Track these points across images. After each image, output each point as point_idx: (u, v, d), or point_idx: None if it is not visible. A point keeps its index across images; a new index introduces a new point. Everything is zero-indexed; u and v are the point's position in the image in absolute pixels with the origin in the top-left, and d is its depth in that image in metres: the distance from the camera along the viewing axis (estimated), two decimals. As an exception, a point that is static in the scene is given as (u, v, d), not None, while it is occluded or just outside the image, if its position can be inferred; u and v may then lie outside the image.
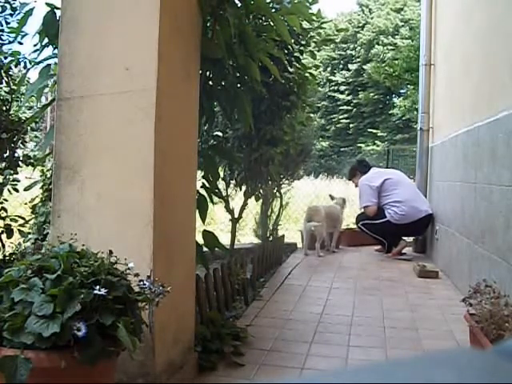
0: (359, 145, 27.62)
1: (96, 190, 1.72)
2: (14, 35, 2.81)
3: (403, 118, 25.22)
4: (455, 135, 4.01)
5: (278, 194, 4.69)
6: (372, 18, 30.30)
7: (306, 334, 2.58)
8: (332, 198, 5.57)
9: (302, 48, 3.52)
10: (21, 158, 2.75)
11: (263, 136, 3.47)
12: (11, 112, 2.73)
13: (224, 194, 3.48)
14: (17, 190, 2.73)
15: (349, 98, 30.27)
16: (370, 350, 2.38)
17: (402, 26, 25.96)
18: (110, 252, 1.47)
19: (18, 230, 2.68)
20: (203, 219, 2.44)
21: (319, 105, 26.87)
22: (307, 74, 3.59)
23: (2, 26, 2.85)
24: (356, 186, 5.50)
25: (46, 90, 2.35)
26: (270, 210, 4.74)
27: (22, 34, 2.68)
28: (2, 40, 2.84)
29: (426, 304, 3.27)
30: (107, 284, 1.35)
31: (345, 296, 3.42)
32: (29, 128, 2.82)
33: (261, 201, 4.46)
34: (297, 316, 2.91)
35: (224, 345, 2.24)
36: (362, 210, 5.21)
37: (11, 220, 2.65)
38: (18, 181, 2.71)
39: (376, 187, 5.08)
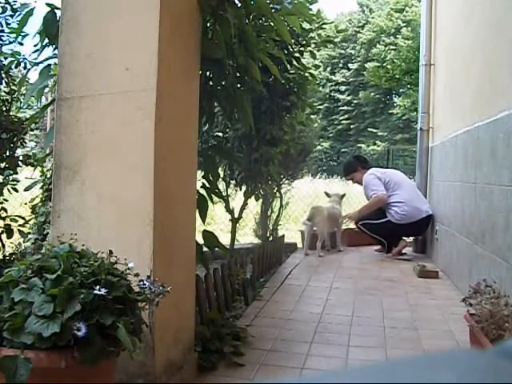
0: (359, 145, 27.65)
1: (96, 190, 1.72)
2: (14, 35, 2.81)
3: (403, 118, 25.25)
4: (455, 135, 4.01)
5: (277, 194, 4.69)
6: (373, 18, 30.32)
7: (306, 333, 2.58)
8: (328, 195, 5.52)
9: (302, 48, 3.52)
10: (21, 158, 2.75)
11: (263, 136, 3.47)
12: (11, 112, 2.73)
13: (224, 194, 3.48)
14: (17, 190, 2.73)
15: (349, 98, 30.30)
16: (370, 350, 2.38)
17: (404, 26, 25.96)
18: (110, 252, 1.47)
19: (18, 230, 2.68)
20: (203, 219, 2.44)
21: (320, 106, 26.91)
22: (307, 74, 3.60)
23: (3, 26, 2.85)
24: (355, 182, 5.49)
25: (46, 90, 2.35)
26: (269, 210, 4.74)
27: (23, 34, 2.69)
28: (3, 41, 2.84)
29: (426, 304, 3.27)
30: (107, 284, 1.35)
31: (345, 296, 3.42)
32: (29, 128, 2.82)
33: (261, 201, 4.46)
34: (297, 316, 2.91)
35: (224, 345, 2.24)
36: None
37: (11, 220, 2.65)
38: (18, 181, 2.71)
39: (382, 180, 5.07)
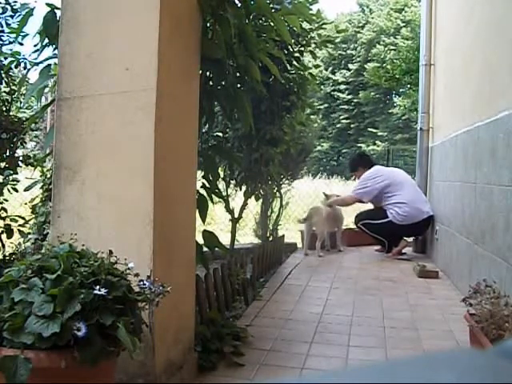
0: (359, 145, 27.67)
1: (96, 190, 1.72)
2: (14, 35, 2.81)
3: (403, 118, 25.26)
4: (455, 135, 4.01)
5: (277, 194, 4.69)
6: (372, 18, 30.33)
7: (306, 334, 2.58)
8: (326, 196, 5.52)
9: (302, 48, 3.52)
10: (21, 158, 2.75)
11: (263, 136, 3.47)
12: (11, 112, 2.73)
13: (224, 194, 3.48)
14: (17, 190, 2.73)
15: (349, 97, 30.32)
16: (370, 350, 2.38)
17: (403, 26, 25.98)
18: (110, 252, 1.46)
19: (18, 230, 2.68)
20: (203, 219, 2.44)
21: (320, 106, 26.93)
22: (307, 74, 3.60)
23: (3, 26, 2.85)
24: (358, 178, 5.50)
25: (46, 90, 2.35)
26: (269, 210, 4.74)
27: (23, 34, 2.69)
28: (3, 41, 2.84)
29: (426, 304, 3.27)
30: (107, 284, 1.35)
31: (345, 296, 3.42)
32: (29, 128, 2.82)
33: (261, 201, 4.46)
34: (297, 316, 2.91)
35: (224, 345, 2.24)
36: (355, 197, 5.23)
37: (11, 220, 2.65)
38: (18, 181, 2.71)
39: (377, 189, 5.07)
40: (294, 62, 3.43)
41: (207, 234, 2.57)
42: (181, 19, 1.93)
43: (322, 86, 27.63)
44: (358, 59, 30.00)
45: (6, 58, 2.81)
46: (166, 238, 1.80)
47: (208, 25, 2.24)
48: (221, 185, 3.35)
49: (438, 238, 4.61)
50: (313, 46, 3.62)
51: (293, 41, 3.23)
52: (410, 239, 5.37)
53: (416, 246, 5.39)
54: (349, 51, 31.07)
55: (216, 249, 2.62)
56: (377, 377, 0.32)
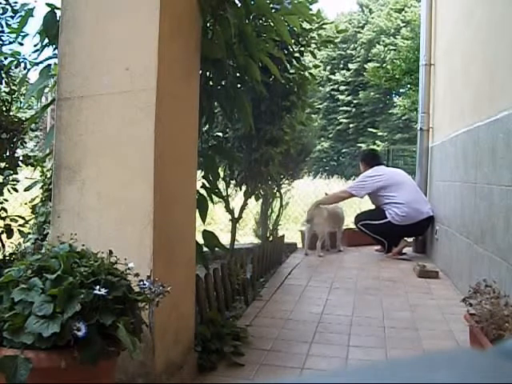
0: (359, 145, 27.68)
1: (96, 190, 1.72)
2: (14, 36, 2.82)
3: (403, 118, 25.26)
4: (455, 135, 4.01)
5: (277, 194, 4.69)
6: (372, 18, 30.34)
7: (306, 334, 2.58)
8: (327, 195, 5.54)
9: (302, 48, 3.52)
10: (21, 158, 2.75)
11: (263, 136, 3.47)
12: (11, 112, 2.73)
13: (224, 193, 3.48)
14: (17, 190, 2.73)
15: (349, 98, 30.32)
16: (370, 350, 2.38)
17: (404, 26, 25.98)
18: (110, 252, 1.46)
19: (18, 230, 2.68)
20: (203, 219, 2.44)
21: (320, 106, 26.94)
22: (307, 74, 3.60)
23: (3, 27, 2.85)
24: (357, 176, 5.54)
25: (46, 90, 2.35)
26: (269, 210, 4.74)
27: (23, 34, 2.69)
28: (3, 41, 2.84)
29: (426, 304, 3.27)
30: (107, 284, 1.35)
31: (345, 296, 3.42)
32: (29, 128, 2.82)
33: (261, 201, 4.46)
34: (297, 316, 2.91)
35: (224, 345, 2.24)
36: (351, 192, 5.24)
37: (11, 220, 2.65)
38: (18, 181, 2.71)
39: (374, 187, 5.09)
40: (294, 62, 3.43)
41: (207, 234, 2.57)
42: (181, 19, 1.93)
43: (321, 87, 27.67)
44: (358, 59, 30.00)
45: (6, 58, 2.81)
46: (166, 237, 1.80)
47: (208, 25, 2.24)
48: (221, 185, 3.34)
49: (438, 237, 4.61)
50: (313, 46, 3.62)
51: (293, 41, 3.22)
52: (410, 239, 5.37)
53: (416, 246, 5.39)
54: (349, 51, 31.07)
55: (216, 249, 2.62)
56: (377, 377, 0.32)
